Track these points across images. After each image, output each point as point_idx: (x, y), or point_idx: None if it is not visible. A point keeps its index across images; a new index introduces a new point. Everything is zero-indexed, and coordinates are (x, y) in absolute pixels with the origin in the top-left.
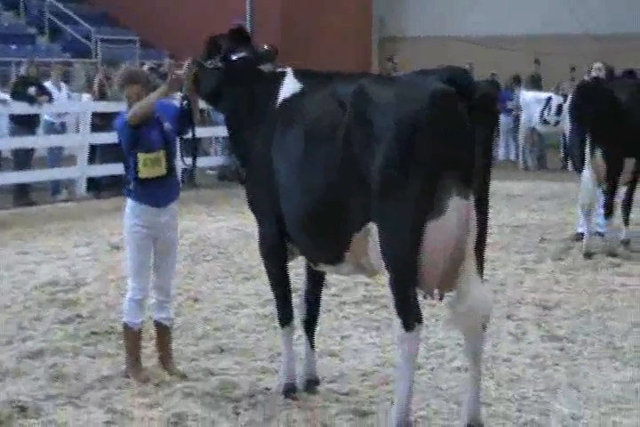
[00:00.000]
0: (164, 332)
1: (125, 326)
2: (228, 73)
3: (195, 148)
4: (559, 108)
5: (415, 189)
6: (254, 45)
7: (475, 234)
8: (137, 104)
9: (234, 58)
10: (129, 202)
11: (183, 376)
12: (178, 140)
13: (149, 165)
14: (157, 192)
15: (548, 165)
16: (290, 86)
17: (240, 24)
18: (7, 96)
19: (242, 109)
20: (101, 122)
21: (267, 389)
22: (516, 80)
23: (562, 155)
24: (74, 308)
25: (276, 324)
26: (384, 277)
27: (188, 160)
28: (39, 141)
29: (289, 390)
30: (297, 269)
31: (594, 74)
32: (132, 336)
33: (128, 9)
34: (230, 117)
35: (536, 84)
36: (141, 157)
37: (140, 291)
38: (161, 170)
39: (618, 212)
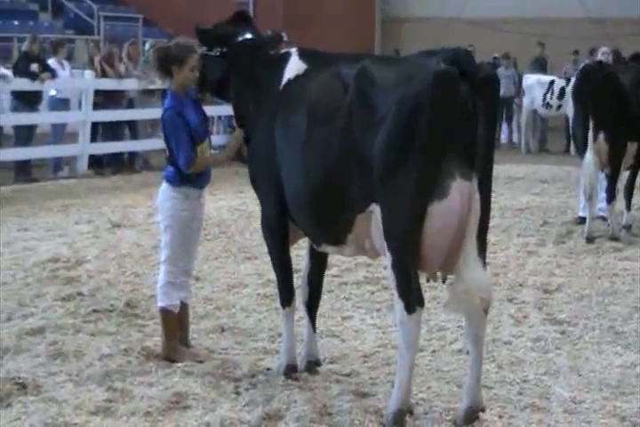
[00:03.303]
0: (185, 310)
1: (165, 310)
2: (233, 56)
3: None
4: (562, 91)
5: (417, 170)
6: (257, 29)
7: (477, 216)
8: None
9: (239, 40)
10: (175, 188)
11: (199, 361)
12: None
13: (206, 151)
14: (205, 173)
15: (549, 149)
16: (294, 67)
17: (243, 8)
18: (9, 72)
19: (247, 89)
20: (103, 100)
21: (267, 369)
22: (506, 57)
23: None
24: (74, 285)
25: (278, 304)
26: (386, 259)
27: None
28: (41, 118)
29: (289, 371)
30: (298, 251)
31: (601, 58)
32: (172, 319)
33: None
34: (236, 97)
35: (541, 66)
36: (202, 146)
37: (179, 274)
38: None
39: (620, 196)
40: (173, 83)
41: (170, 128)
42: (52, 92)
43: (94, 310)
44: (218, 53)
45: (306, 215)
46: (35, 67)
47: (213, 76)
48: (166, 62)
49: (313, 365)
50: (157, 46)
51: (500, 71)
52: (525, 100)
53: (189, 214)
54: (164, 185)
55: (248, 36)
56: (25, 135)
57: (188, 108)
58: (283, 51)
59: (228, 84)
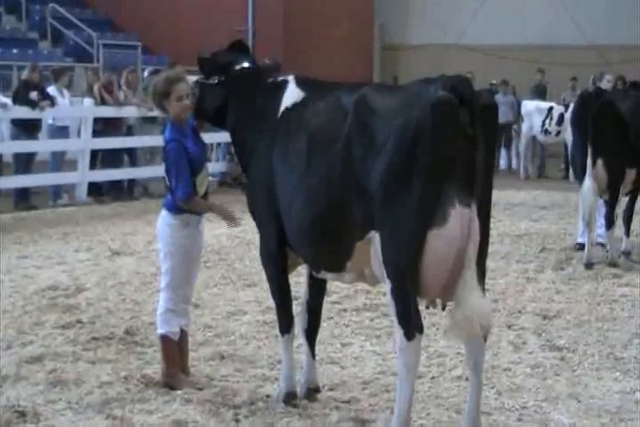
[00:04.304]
0: (185, 338)
1: (165, 337)
2: (230, 84)
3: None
4: (560, 117)
5: (416, 197)
6: (255, 57)
7: (476, 243)
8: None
9: (236, 68)
10: (175, 215)
11: (198, 389)
12: None
13: (205, 179)
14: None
15: (548, 175)
16: (292, 95)
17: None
18: (9, 100)
19: (245, 117)
20: (102, 126)
21: (267, 396)
22: (504, 84)
23: (562, 165)
24: (74, 313)
25: (277, 331)
26: (385, 286)
27: None
28: (40, 146)
29: (289, 398)
30: (297, 278)
31: (606, 85)
32: (173, 346)
33: (130, 14)
34: (234, 125)
35: (541, 93)
36: (201, 175)
37: (179, 301)
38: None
39: (619, 222)
40: (170, 114)
41: (172, 161)
42: (50, 121)
43: (94, 338)
44: (216, 81)
45: (305, 243)
46: (34, 95)
47: (211, 104)
48: (156, 98)
49: (312, 392)
50: (150, 83)
51: (498, 98)
52: (524, 127)
53: (189, 241)
54: (164, 212)
55: (246, 64)
56: (24, 163)
57: (188, 137)
58: (280, 78)
59: (226, 112)
